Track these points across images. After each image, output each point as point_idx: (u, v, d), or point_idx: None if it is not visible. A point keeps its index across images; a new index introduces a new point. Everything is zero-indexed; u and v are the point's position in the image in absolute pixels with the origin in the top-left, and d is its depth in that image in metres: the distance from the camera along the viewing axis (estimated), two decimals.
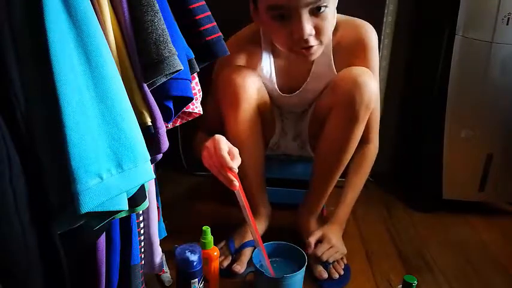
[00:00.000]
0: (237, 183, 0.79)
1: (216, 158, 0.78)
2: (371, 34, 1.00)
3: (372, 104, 0.95)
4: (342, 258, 1.03)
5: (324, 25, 0.89)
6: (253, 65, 1.04)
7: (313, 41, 0.90)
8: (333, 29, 0.95)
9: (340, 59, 1.01)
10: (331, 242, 1.00)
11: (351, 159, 1.07)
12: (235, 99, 0.95)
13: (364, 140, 1.07)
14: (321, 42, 0.92)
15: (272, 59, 1.05)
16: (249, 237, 1.07)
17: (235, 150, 0.81)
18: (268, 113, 1.08)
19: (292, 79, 1.06)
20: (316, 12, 0.87)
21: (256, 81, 0.98)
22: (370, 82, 0.93)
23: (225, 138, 0.81)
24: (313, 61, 1.02)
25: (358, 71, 0.94)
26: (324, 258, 0.99)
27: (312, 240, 1.00)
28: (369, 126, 1.05)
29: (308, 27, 0.87)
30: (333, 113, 0.98)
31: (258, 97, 0.99)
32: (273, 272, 0.89)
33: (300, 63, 1.03)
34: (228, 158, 0.78)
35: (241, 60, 1.03)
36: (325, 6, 0.87)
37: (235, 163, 0.78)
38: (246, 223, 1.10)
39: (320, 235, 1.01)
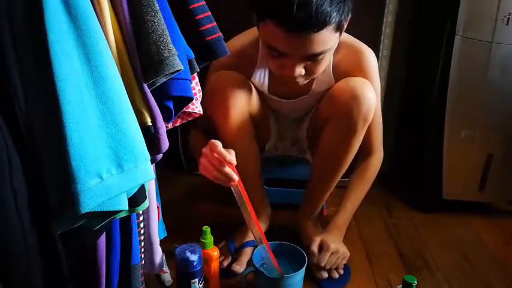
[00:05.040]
0: (236, 177, 0.79)
1: (214, 157, 0.79)
2: (370, 61, 0.98)
3: (370, 116, 0.93)
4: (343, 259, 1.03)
5: (316, 68, 0.88)
6: (247, 71, 1.02)
7: (301, 79, 0.90)
8: (328, 63, 0.93)
9: (338, 79, 0.99)
10: (331, 249, 0.99)
11: (354, 170, 1.07)
12: (225, 107, 0.94)
13: (368, 151, 1.07)
14: (309, 78, 0.92)
15: (267, 72, 1.02)
16: (249, 238, 1.07)
17: (231, 150, 0.81)
18: (262, 117, 1.07)
19: (289, 91, 1.05)
20: (312, 59, 0.86)
21: (246, 86, 0.97)
22: (368, 94, 0.91)
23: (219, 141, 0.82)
24: (313, 80, 1.00)
25: (356, 82, 0.93)
26: (327, 266, 0.98)
27: (314, 248, 0.99)
28: (372, 138, 1.04)
29: (298, 70, 0.86)
30: (330, 123, 0.98)
31: (249, 102, 0.98)
32: (280, 270, 0.88)
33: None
34: (225, 152, 0.78)
35: (236, 65, 1.00)
36: (322, 56, 0.86)
37: (233, 158, 0.79)
38: (245, 223, 1.10)
39: (320, 242, 1.00)
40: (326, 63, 0.90)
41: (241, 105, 0.96)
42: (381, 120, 1.07)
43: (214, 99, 0.96)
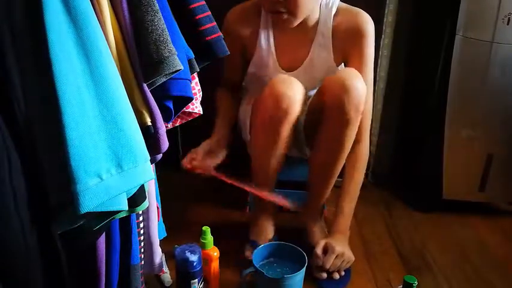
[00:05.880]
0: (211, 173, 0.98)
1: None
2: (367, 23, 1.02)
3: (362, 105, 0.94)
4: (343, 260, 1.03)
5: (294, 1, 0.93)
6: (252, 35, 1.06)
7: (282, 8, 0.94)
8: (308, 7, 0.97)
9: (337, 43, 1.04)
10: (336, 251, 0.98)
11: (344, 165, 1.07)
12: (284, 115, 0.94)
13: (355, 139, 1.06)
14: (291, 14, 0.96)
15: (271, 33, 1.06)
16: (270, 234, 1.09)
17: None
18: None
19: (292, 56, 1.07)
20: None
21: (303, 95, 0.97)
22: (358, 84, 0.93)
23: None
24: (312, 40, 1.04)
25: (346, 74, 0.94)
26: (332, 269, 0.98)
27: (319, 251, 0.99)
28: (360, 127, 1.04)
29: None
30: (324, 117, 0.98)
31: (299, 111, 0.98)
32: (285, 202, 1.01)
33: (299, 40, 1.04)
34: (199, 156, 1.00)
35: (241, 30, 1.06)
36: None
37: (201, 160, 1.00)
38: (252, 223, 1.11)
39: (324, 244, 1.00)
40: (305, 2, 0.94)
41: (295, 116, 0.96)
42: (370, 109, 1.07)
43: (275, 107, 0.94)
